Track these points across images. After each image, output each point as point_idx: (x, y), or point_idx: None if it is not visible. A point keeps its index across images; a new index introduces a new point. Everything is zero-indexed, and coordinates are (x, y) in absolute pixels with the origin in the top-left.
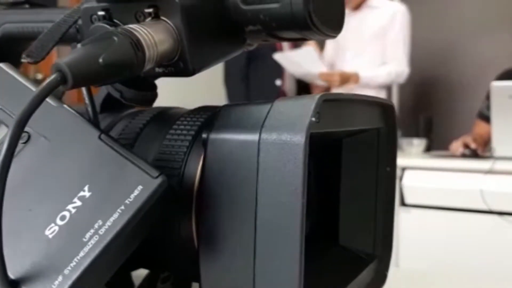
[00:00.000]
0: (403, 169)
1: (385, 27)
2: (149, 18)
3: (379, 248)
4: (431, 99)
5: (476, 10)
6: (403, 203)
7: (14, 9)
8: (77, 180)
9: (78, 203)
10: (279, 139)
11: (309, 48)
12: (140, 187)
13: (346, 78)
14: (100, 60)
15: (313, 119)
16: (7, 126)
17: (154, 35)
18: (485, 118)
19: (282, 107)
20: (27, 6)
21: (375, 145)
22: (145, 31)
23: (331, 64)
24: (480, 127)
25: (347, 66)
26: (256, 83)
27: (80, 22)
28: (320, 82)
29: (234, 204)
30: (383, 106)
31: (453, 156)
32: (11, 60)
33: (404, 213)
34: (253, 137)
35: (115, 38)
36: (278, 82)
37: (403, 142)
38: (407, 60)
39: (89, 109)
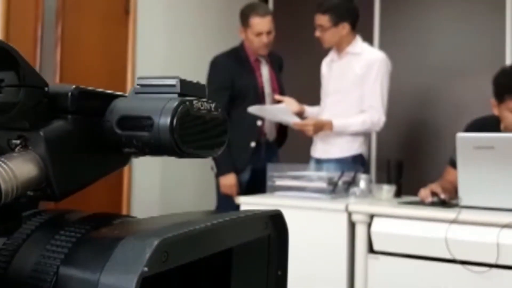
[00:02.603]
0: (372, 216)
1: (363, 76)
2: (19, 147)
3: None
4: (405, 143)
5: (453, 56)
6: (371, 250)
7: None
8: None
9: None
10: (114, 283)
11: (282, 105)
12: None
13: (320, 127)
14: None
15: (145, 269)
16: None
17: (14, 169)
18: (456, 165)
19: (127, 247)
20: None
21: (266, 251)
22: (4, 166)
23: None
24: (450, 174)
25: (329, 110)
26: (237, 122)
27: None
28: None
29: None
30: (271, 214)
31: (422, 204)
32: None
33: (372, 259)
34: (93, 277)
35: None
36: (259, 123)
37: (373, 187)
38: (384, 108)
39: None
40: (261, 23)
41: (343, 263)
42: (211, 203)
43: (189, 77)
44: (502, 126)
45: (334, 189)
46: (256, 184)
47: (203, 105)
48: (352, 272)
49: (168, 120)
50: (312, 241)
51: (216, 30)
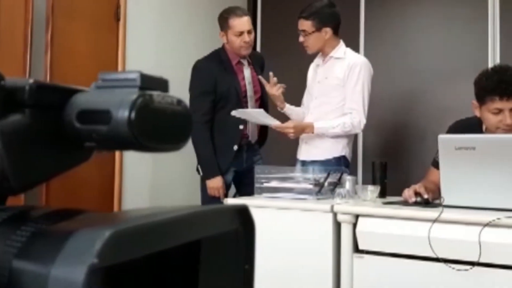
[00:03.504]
0: (357, 216)
1: (344, 79)
2: None
3: None
4: (390, 145)
5: (436, 60)
6: (357, 250)
7: None
8: None
9: None
10: (64, 275)
11: (260, 110)
12: None
13: (301, 129)
14: None
15: (95, 260)
16: None
17: None
18: (438, 166)
19: (79, 239)
20: None
21: (233, 245)
22: None
23: (307, 108)
24: (433, 174)
25: (312, 114)
26: (220, 126)
27: None
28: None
29: None
30: (237, 209)
31: (406, 203)
32: None
33: (357, 259)
34: (45, 270)
35: None
36: (241, 126)
37: (358, 188)
38: (365, 111)
39: None
40: (241, 23)
41: (329, 262)
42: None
43: (179, 84)
44: (484, 127)
45: (320, 190)
46: (239, 186)
47: (164, 98)
48: (338, 271)
49: (126, 113)
50: (298, 242)
51: (206, 37)
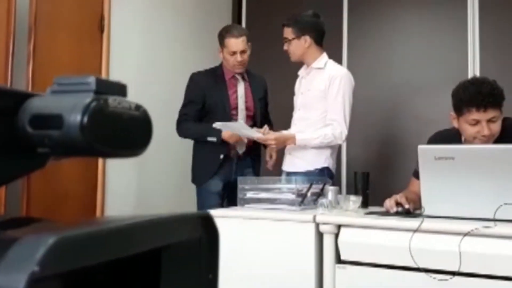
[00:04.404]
0: (339, 226)
1: (325, 91)
2: None
3: None
4: (374, 156)
5: (417, 73)
6: (339, 260)
7: None
8: None
9: None
10: (4, 283)
11: (240, 122)
12: None
13: (282, 141)
14: None
15: (36, 268)
16: None
17: None
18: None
19: (23, 246)
20: None
21: (197, 254)
22: None
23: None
24: (415, 184)
25: (295, 125)
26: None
27: None
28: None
29: None
30: (200, 217)
31: (387, 213)
32: None
33: (340, 269)
34: None
35: None
36: None
37: (340, 199)
38: (346, 122)
39: None
40: (235, 43)
41: (311, 273)
42: (188, 209)
43: (164, 95)
44: (463, 138)
45: (303, 201)
46: (230, 197)
47: (121, 103)
48: (320, 281)
49: (79, 117)
50: (280, 252)
51: (190, 48)
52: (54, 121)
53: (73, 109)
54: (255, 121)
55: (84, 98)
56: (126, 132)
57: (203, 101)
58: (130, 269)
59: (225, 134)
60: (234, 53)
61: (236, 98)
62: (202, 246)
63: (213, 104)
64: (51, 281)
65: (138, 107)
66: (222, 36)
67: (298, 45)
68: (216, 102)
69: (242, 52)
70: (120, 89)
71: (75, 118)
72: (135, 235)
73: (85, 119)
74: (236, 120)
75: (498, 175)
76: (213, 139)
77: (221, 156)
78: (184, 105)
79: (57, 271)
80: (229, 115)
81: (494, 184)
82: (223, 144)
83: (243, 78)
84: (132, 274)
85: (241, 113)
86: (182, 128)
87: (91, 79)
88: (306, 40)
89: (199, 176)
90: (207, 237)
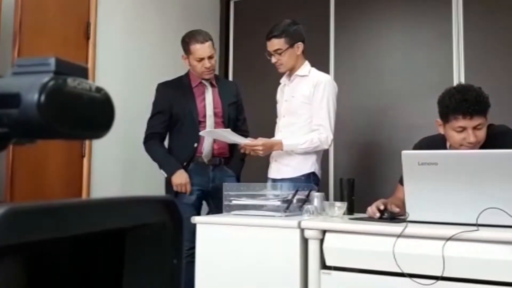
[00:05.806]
0: (324, 232)
1: (310, 97)
2: None
3: None
4: (361, 163)
5: (403, 81)
6: (324, 266)
7: None
8: None
9: None
10: None
11: (228, 129)
12: None
13: (269, 147)
14: None
15: None
16: None
17: None
18: None
19: None
20: None
21: (161, 239)
22: None
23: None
24: (400, 191)
25: (281, 132)
26: (176, 143)
27: None
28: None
29: None
30: (164, 201)
31: (371, 219)
32: None
33: (325, 275)
34: None
35: None
36: (195, 144)
37: (325, 205)
38: (331, 127)
39: None
40: (201, 49)
41: (296, 278)
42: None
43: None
44: (448, 144)
45: (288, 207)
46: (215, 205)
47: (80, 84)
48: (305, 287)
49: (36, 96)
50: (266, 258)
51: (176, 56)
52: (12, 100)
53: (30, 88)
54: (226, 127)
55: (43, 77)
56: (86, 113)
57: (170, 111)
58: (95, 249)
59: (175, 179)
60: (201, 59)
61: (204, 105)
62: (166, 231)
63: (181, 113)
64: (7, 254)
65: (99, 89)
66: (186, 42)
67: (291, 54)
68: (184, 111)
69: (210, 57)
70: (81, 71)
71: (33, 96)
72: (92, 213)
73: (42, 97)
74: (204, 127)
75: (481, 180)
76: (164, 174)
77: (185, 163)
78: (152, 117)
79: (9, 242)
80: (197, 123)
81: (476, 189)
82: (189, 150)
83: (212, 84)
84: (97, 255)
85: (210, 119)
86: (147, 147)
87: (51, 60)
88: (299, 47)
89: (170, 187)
90: (172, 222)
